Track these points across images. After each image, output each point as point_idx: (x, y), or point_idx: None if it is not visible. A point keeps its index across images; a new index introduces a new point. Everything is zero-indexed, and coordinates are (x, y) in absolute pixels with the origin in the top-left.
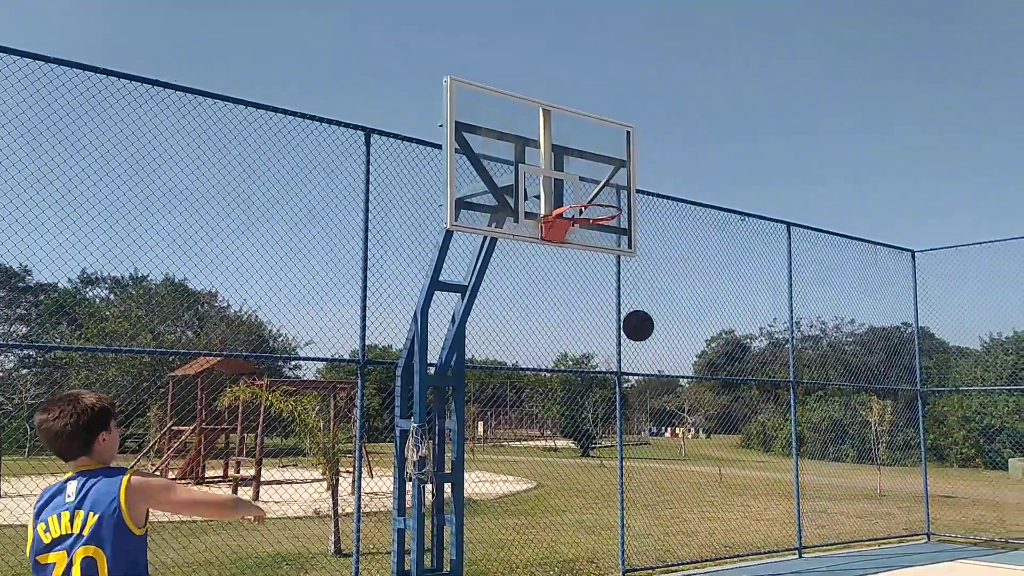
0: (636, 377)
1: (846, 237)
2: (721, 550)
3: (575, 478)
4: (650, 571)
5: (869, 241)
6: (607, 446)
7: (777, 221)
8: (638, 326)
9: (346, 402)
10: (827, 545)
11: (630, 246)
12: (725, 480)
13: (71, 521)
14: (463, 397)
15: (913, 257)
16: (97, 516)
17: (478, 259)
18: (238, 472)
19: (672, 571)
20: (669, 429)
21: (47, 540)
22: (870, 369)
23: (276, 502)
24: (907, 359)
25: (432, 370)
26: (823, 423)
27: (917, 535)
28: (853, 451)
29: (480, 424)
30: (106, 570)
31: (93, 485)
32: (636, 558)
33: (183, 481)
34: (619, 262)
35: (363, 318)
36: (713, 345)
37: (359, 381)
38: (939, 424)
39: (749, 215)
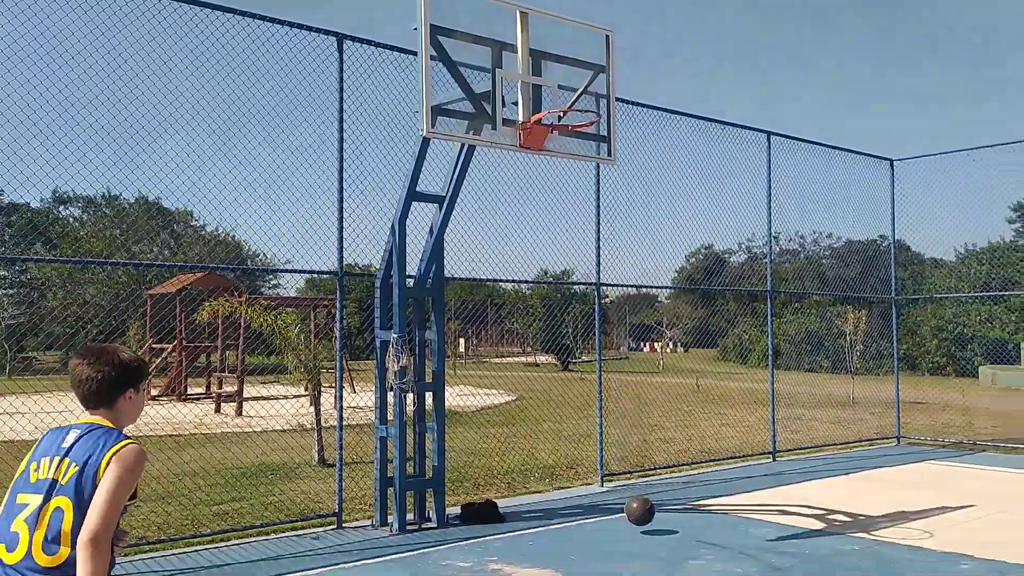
0: (616, 293)
1: (825, 146)
2: (697, 455)
3: (555, 391)
4: (628, 475)
5: (848, 150)
6: (587, 360)
7: (756, 130)
8: (642, 515)
9: (326, 320)
10: (800, 449)
11: (609, 153)
12: (702, 390)
13: (57, 467)
14: (443, 308)
15: (892, 166)
16: (77, 469)
17: (456, 168)
18: (220, 388)
19: (649, 475)
20: (648, 344)
21: (32, 478)
22: (846, 281)
23: (260, 417)
24: (883, 271)
25: (411, 282)
26: (799, 335)
27: (888, 438)
28: (828, 362)
29: (461, 341)
30: (70, 524)
31: (89, 439)
32: (614, 464)
33: (166, 398)
34: (599, 174)
35: (340, 229)
36: (692, 260)
37: (338, 293)
38: (912, 334)
39: (729, 124)
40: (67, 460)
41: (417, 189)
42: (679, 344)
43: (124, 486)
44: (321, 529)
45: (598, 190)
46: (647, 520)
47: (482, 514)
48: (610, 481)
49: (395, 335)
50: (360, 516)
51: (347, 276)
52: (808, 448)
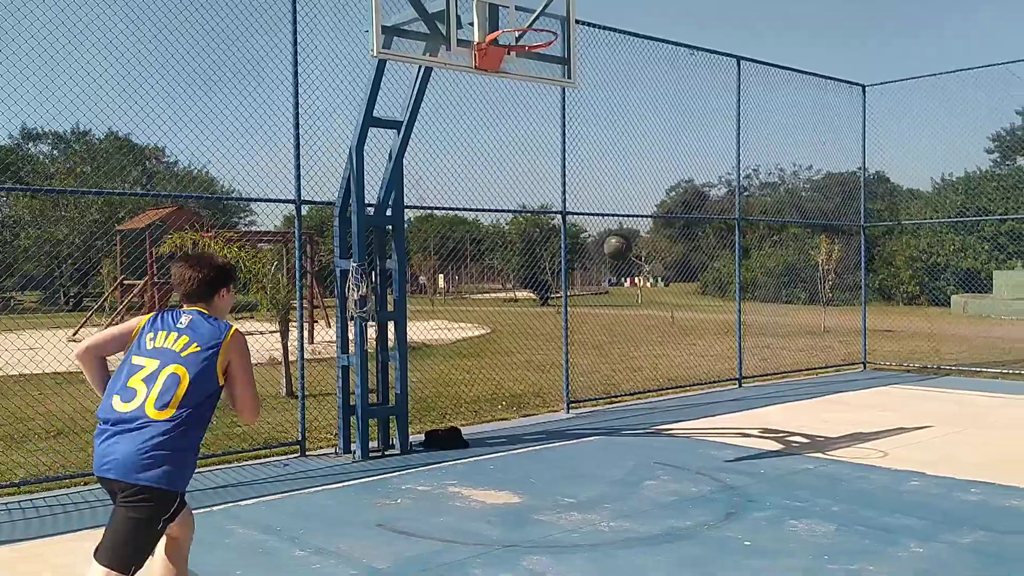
0: (598, 229)
1: (796, 71)
2: (665, 383)
3: (529, 324)
4: (593, 402)
5: (819, 75)
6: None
7: (726, 55)
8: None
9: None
10: (767, 375)
11: (569, 76)
12: (677, 322)
13: (175, 341)
14: (403, 236)
15: (863, 91)
16: (198, 347)
17: (413, 92)
18: None
19: (615, 402)
20: (629, 279)
21: (149, 346)
22: (824, 213)
23: None
24: (859, 202)
25: (372, 211)
26: (778, 268)
27: (854, 364)
28: (805, 293)
29: (440, 277)
30: (183, 390)
31: (203, 324)
32: (581, 392)
33: None
34: (564, 100)
35: (297, 156)
36: (672, 194)
37: (296, 220)
38: (888, 265)
39: (698, 48)
40: (185, 337)
41: (376, 114)
42: (660, 279)
43: (249, 360)
44: (284, 458)
45: (563, 116)
46: (621, 254)
47: (446, 441)
48: (576, 408)
49: (354, 264)
50: (325, 445)
51: (305, 204)
52: (774, 375)
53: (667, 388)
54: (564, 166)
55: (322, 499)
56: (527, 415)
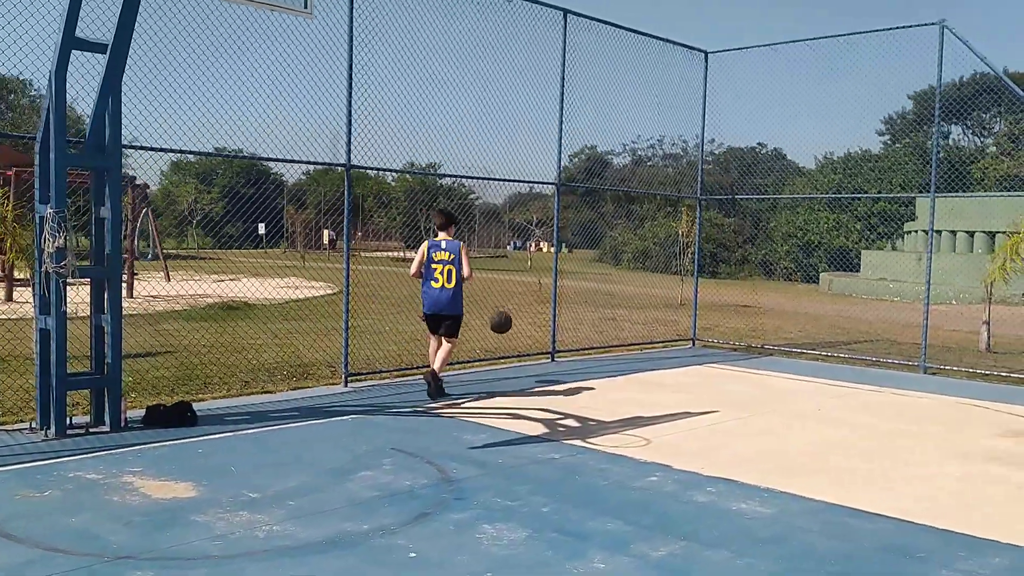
0: (505, 193)
1: (628, 30)
2: (480, 354)
3: (390, 286)
4: (380, 375)
5: (659, 38)
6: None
7: (550, 6)
8: (501, 323)
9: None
10: (585, 349)
11: (305, 6)
12: (544, 290)
13: (444, 252)
14: (119, 180)
15: (706, 58)
16: (452, 255)
17: (120, 12)
18: None
19: (407, 375)
20: (534, 244)
21: (436, 258)
22: (723, 187)
23: None
24: (758, 177)
25: (80, 149)
26: (670, 239)
27: (684, 340)
28: (692, 264)
29: (325, 232)
30: (455, 276)
31: (452, 243)
32: (382, 362)
33: None
34: (351, 40)
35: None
36: (575, 160)
37: None
38: (770, 240)
39: None
40: (447, 252)
41: (80, 35)
42: (564, 244)
43: (468, 256)
44: None
45: (351, 58)
46: (503, 326)
47: (170, 417)
48: (357, 381)
49: (50, 210)
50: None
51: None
52: (594, 349)
53: (476, 361)
54: (350, 117)
55: None
56: (299, 388)
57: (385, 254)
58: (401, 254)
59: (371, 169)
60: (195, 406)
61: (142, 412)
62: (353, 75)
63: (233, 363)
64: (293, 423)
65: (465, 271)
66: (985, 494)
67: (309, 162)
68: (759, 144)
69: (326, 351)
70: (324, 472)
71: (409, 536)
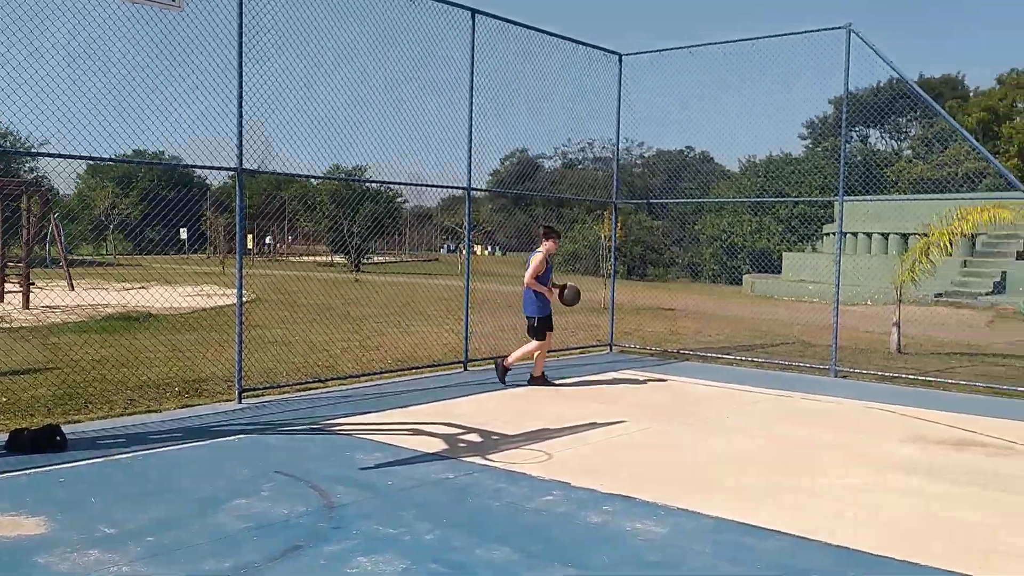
0: (438, 196)
1: (538, 31)
2: (393, 364)
3: (311, 293)
4: (280, 389)
5: (571, 39)
6: (380, 262)
7: (458, 6)
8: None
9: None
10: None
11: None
12: (472, 295)
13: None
14: None
15: (620, 60)
16: (527, 262)
17: None
18: None
19: (311, 388)
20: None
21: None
22: (653, 190)
23: None
24: (685, 180)
25: None
26: (600, 242)
27: (603, 346)
28: (624, 267)
29: (250, 237)
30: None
31: (533, 251)
32: (287, 375)
33: None
34: (241, 40)
35: None
36: (507, 164)
37: None
38: (696, 243)
39: None
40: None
41: None
42: (498, 248)
43: (537, 261)
44: None
45: (240, 63)
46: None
47: (36, 442)
48: (253, 397)
49: None
50: None
51: None
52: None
53: (384, 372)
54: (241, 117)
55: None
56: (188, 405)
57: (313, 259)
58: (329, 258)
59: (263, 173)
60: (68, 428)
61: (5, 436)
62: (244, 75)
63: (121, 379)
64: (173, 445)
65: (525, 277)
66: (886, 506)
67: (196, 166)
68: (687, 147)
69: (225, 364)
70: (194, 502)
71: (274, 573)
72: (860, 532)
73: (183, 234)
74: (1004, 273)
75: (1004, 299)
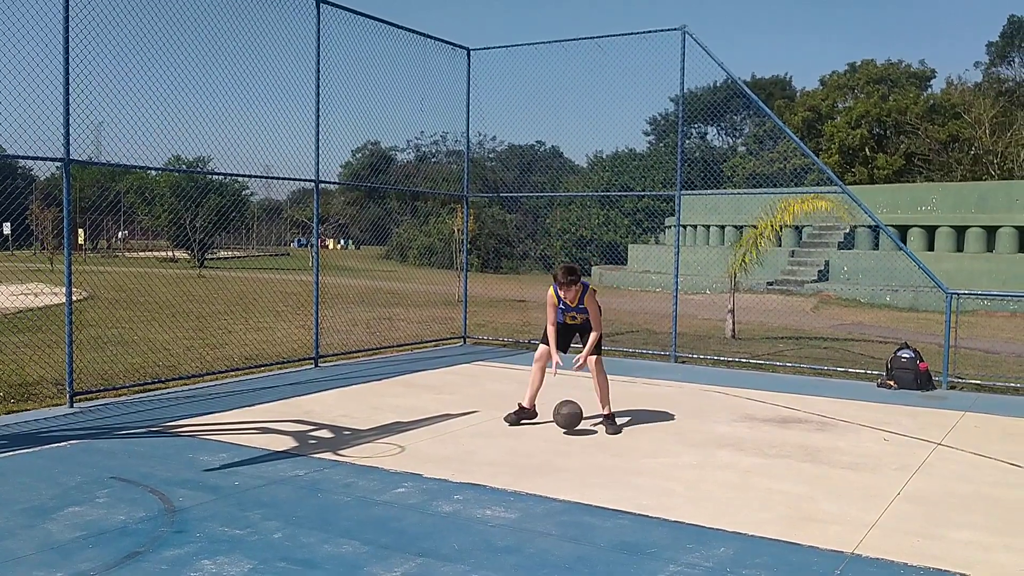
0: (288, 189)
1: (386, 23)
2: (239, 362)
3: (152, 290)
4: (117, 391)
5: (419, 33)
6: (225, 257)
7: None
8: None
9: None
10: (353, 352)
11: None
12: (323, 289)
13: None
14: None
15: (468, 55)
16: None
17: None
18: None
19: (151, 389)
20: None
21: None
22: (506, 184)
23: None
24: (536, 174)
25: None
26: (456, 236)
27: (456, 338)
28: (478, 261)
29: (81, 232)
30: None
31: (584, 291)
32: (124, 376)
33: None
34: (67, 26)
35: None
36: (359, 156)
37: None
38: (547, 235)
39: None
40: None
41: None
42: (352, 241)
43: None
44: None
45: (66, 43)
46: (572, 421)
47: None
48: (87, 400)
49: None
50: None
51: None
52: (364, 351)
53: (231, 371)
54: (67, 105)
55: None
56: (13, 411)
57: (152, 254)
58: (169, 254)
59: (94, 165)
60: None
61: None
62: (70, 60)
63: None
64: (3, 452)
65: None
66: (716, 482)
67: (19, 156)
68: (537, 142)
69: (55, 367)
70: (20, 512)
71: None
72: (694, 507)
73: (6, 229)
74: (827, 262)
75: (827, 286)
